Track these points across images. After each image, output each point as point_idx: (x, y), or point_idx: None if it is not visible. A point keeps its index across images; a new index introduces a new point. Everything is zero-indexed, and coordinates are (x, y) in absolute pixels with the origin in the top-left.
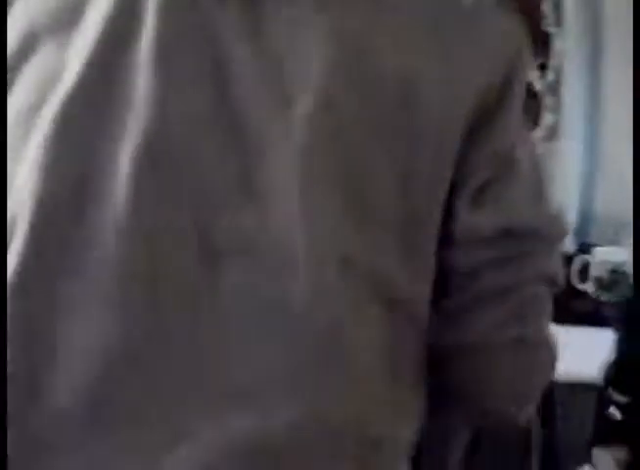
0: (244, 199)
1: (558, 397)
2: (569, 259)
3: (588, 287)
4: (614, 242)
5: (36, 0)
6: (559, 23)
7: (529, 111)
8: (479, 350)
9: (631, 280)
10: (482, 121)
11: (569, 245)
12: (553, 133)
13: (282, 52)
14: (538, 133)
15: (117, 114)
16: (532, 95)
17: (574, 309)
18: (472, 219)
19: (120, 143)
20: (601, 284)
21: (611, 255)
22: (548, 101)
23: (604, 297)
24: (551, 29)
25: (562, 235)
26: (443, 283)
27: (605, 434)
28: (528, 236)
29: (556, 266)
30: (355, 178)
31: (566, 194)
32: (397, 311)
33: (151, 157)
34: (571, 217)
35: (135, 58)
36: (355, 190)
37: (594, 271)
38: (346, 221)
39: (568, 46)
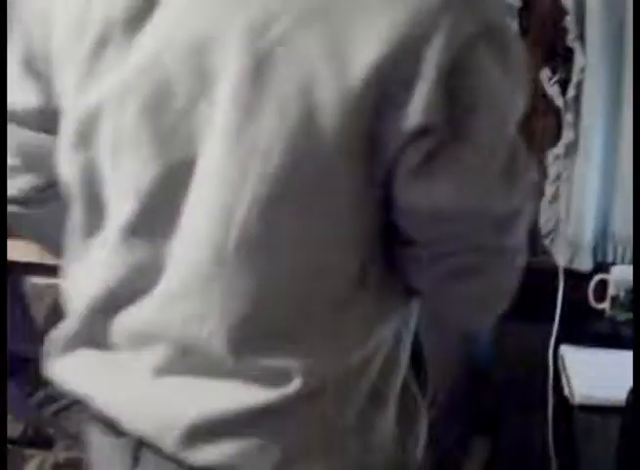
0: None
1: (577, 421)
2: (586, 279)
3: (605, 306)
4: (631, 260)
5: None
6: (581, 38)
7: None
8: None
9: None
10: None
11: (586, 264)
12: (572, 150)
13: None
14: (558, 150)
15: None
16: (553, 111)
17: (592, 330)
18: (408, 197)
19: None
20: (618, 303)
21: (629, 273)
22: (567, 117)
23: (621, 317)
24: (573, 45)
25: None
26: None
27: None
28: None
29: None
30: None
31: (583, 211)
32: None
33: None
34: (588, 236)
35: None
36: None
37: (612, 290)
38: None
39: (589, 62)
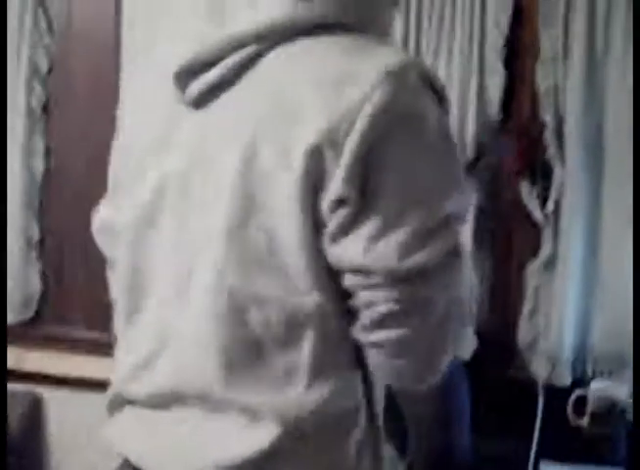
0: None
1: None
2: (565, 394)
3: (584, 422)
4: (611, 376)
5: None
6: (560, 150)
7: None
8: None
9: (630, 416)
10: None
11: (565, 379)
12: (551, 264)
13: None
14: (536, 264)
15: None
16: (531, 225)
17: (571, 446)
18: (334, 252)
19: None
20: (597, 419)
21: (608, 389)
22: (546, 231)
23: (601, 433)
24: (552, 158)
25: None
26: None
27: None
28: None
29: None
30: None
31: (562, 325)
32: None
33: None
34: (567, 350)
35: None
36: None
37: (591, 406)
38: None
39: (569, 175)
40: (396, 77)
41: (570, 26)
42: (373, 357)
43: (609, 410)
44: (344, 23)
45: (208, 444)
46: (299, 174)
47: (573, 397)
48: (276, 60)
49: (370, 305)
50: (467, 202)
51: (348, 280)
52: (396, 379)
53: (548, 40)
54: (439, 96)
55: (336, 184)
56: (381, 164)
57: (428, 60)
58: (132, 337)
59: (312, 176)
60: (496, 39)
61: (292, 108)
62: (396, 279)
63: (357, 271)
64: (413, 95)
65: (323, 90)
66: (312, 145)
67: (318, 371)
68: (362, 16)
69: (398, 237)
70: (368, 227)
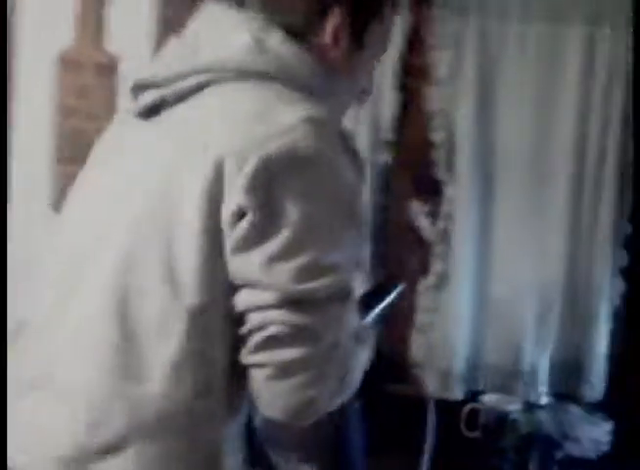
0: None
1: None
2: (457, 407)
3: (477, 435)
4: (502, 390)
5: None
6: (450, 170)
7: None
8: None
9: (522, 429)
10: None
11: (456, 392)
12: (443, 281)
13: None
14: (429, 281)
15: None
16: (422, 243)
17: (464, 459)
18: (234, 263)
19: None
20: (489, 432)
21: (499, 402)
22: (438, 249)
23: (493, 445)
24: (442, 177)
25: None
26: None
27: None
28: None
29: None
30: None
31: (454, 340)
32: None
33: None
34: (460, 364)
35: None
36: None
37: (482, 419)
38: None
39: (459, 194)
40: (313, 125)
41: (462, 48)
42: (254, 380)
43: (500, 423)
44: (288, 79)
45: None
46: (203, 185)
47: (466, 410)
48: (213, 93)
49: (259, 326)
50: (362, 254)
51: (241, 302)
52: (275, 409)
53: (441, 62)
54: (355, 158)
55: (237, 194)
56: (285, 192)
57: None
58: None
59: (214, 187)
60: (390, 60)
61: (204, 136)
62: (288, 302)
63: (252, 286)
64: (328, 144)
65: (239, 124)
66: (219, 156)
67: (177, 371)
68: (307, 84)
69: (297, 262)
70: (271, 246)
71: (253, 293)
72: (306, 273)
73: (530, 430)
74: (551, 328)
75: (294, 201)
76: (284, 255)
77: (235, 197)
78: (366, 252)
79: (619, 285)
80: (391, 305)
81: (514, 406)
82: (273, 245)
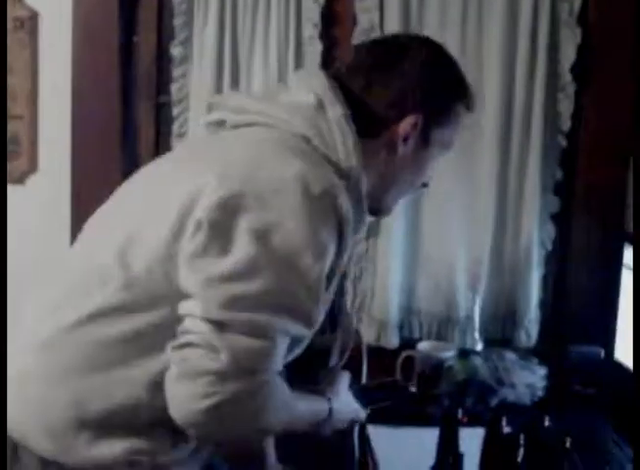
0: None
1: None
2: (393, 356)
3: (412, 384)
4: (438, 337)
5: None
6: None
7: None
8: None
9: (458, 375)
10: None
11: (392, 341)
12: (374, 230)
13: None
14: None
15: None
16: None
17: (400, 408)
18: (183, 272)
19: None
20: (424, 380)
21: (434, 349)
22: None
23: (429, 393)
24: None
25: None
26: None
27: None
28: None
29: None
30: None
31: (388, 289)
32: None
33: None
34: (394, 313)
35: None
36: None
37: (418, 367)
38: None
39: None
40: (299, 182)
41: None
42: (167, 377)
43: (436, 371)
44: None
45: None
46: (190, 193)
47: (401, 358)
48: (253, 129)
49: (187, 331)
50: (304, 309)
51: (182, 308)
52: (176, 412)
53: (363, 12)
54: (340, 225)
55: (203, 210)
56: (247, 225)
57: (245, 38)
58: None
59: (196, 196)
60: (313, 12)
61: (212, 156)
62: (212, 322)
63: (192, 296)
64: (310, 210)
65: (246, 159)
66: (211, 174)
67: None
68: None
69: (231, 290)
70: (219, 267)
71: (193, 301)
72: (235, 303)
73: (466, 376)
74: (483, 274)
75: (249, 237)
76: (222, 279)
77: (200, 211)
78: (315, 313)
79: (551, 230)
80: None
81: (449, 353)
82: (216, 266)
